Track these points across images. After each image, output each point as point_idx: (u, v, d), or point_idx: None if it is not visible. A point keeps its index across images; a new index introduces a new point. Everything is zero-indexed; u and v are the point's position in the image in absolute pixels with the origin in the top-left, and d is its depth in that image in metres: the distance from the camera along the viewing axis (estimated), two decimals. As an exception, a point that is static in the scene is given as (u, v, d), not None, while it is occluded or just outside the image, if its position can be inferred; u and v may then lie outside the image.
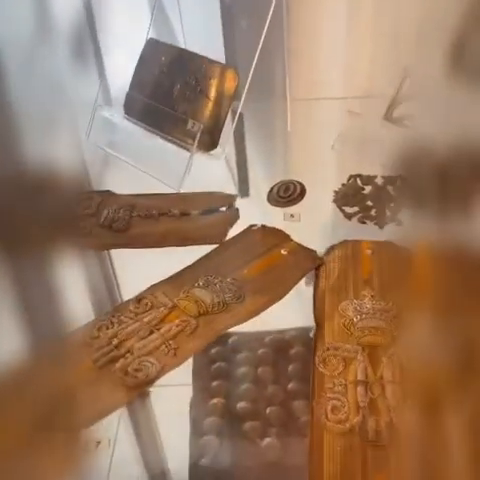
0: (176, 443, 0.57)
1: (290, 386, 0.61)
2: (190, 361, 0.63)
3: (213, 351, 0.65)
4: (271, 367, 0.63)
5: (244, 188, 0.89)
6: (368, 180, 0.83)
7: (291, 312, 0.69)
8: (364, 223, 0.78)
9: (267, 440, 0.56)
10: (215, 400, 0.60)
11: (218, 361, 0.64)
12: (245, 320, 0.64)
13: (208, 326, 0.64)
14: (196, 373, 0.63)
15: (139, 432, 0.61)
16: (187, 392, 0.61)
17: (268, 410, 0.59)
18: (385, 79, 0.89)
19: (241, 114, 0.92)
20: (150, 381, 0.58)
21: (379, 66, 0.98)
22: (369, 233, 0.75)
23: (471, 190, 0.66)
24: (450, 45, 0.78)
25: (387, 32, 0.97)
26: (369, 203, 0.80)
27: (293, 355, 0.64)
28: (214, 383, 0.62)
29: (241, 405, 0.59)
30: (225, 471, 0.55)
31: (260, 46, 0.82)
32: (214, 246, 0.75)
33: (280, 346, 0.65)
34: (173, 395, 0.62)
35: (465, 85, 0.73)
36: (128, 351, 0.61)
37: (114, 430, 0.58)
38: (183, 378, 0.62)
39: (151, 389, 0.60)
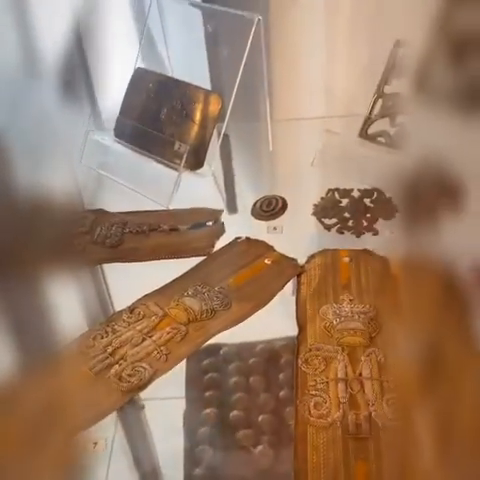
0: (171, 454, 0.59)
1: (281, 394, 0.62)
2: (183, 373, 0.65)
3: (205, 362, 0.67)
4: (262, 376, 0.65)
5: (231, 204, 0.92)
6: (345, 193, 0.86)
7: (280, 322, 0.71)
8: (342, 233, 0.81)
9: (260, 448, 0.57)
10: (208, 410, 0.61)
11: (210, 372, 0.66)
12: (232, 325, 0.68)
13: (197, 332, 0.67)
14: (189, 384, 0.65)
15: (134, 444, 0.62)
16: (180, 405, 0.62)
17: (260, 418, 0.60)
18: (361, 99, 0.93)
19: (227, 135, 0.96)
20: (143, 385, 0.61)
21: (355, 87, 1.03)
22: (347, 242, 0.79)
23: (437, 204, 0.70)
24: (416, 68, 0.84)
25: (362, 55, 1.02)
26: (346, 215, 0.83)
27: (283, 364, 0.66)
28: (207, 394, 0.63)
29: (234, 414, 0.61)
30: (220, 480, 0.56)
31: (241, 71, 0.86)
32: (202, 258, 0.79)
33: (270, 355, 0.67)
34: (167, 408, 0.64)
35: (430, 105, 0.78)
36: (122, 358, 0.64)
37: (109, 442, 0.59)
38: (176, 391, 0.64)
39: (146, 403, 0.62)
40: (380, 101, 0.89)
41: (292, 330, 0.67)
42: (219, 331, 0.67)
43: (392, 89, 0.88)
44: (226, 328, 0.68)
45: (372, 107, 0.89)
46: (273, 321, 0.71)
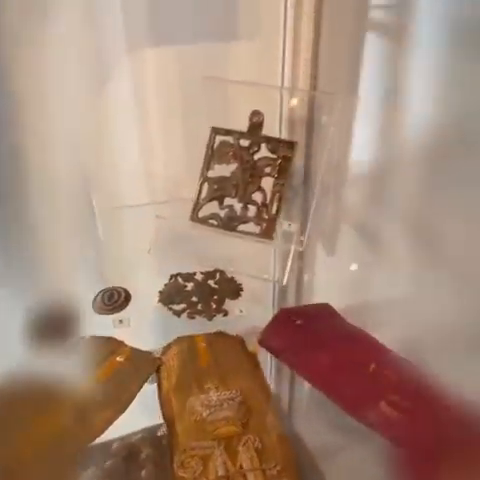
0: None
1: (147, 493, 0.56)
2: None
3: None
4: (123, 477, 0.59)
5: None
6: (188, 277, 0.86)
7: (134, 414, 0.64)
8: (193, 318, 0.79)
9: None
10: None
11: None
12: (92, 441, 0.58)
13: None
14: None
15: None
16: None
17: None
18: (187, 184, 0.94)
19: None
20: None
21: (180, 173, 1.05)
22: (200, 326, 0.77)
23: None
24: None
25: (181, 142, 1.05)
26: (194, 299, 0.82)
27: (144, 459, 0.61)
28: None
29: None
30: None
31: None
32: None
33: (129, 452, 0.61)
34: None
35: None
36: None
37: None
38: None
39: None
40: (206, 185, 0.92)
41: (150, 422, 0.62)
42: (79, 451, 0.57)
43: (215, 173, 0.92)
44: (85, 445, 0.58)
45: (199, 191, 0.91)
46: (129, 417, 0.63)
